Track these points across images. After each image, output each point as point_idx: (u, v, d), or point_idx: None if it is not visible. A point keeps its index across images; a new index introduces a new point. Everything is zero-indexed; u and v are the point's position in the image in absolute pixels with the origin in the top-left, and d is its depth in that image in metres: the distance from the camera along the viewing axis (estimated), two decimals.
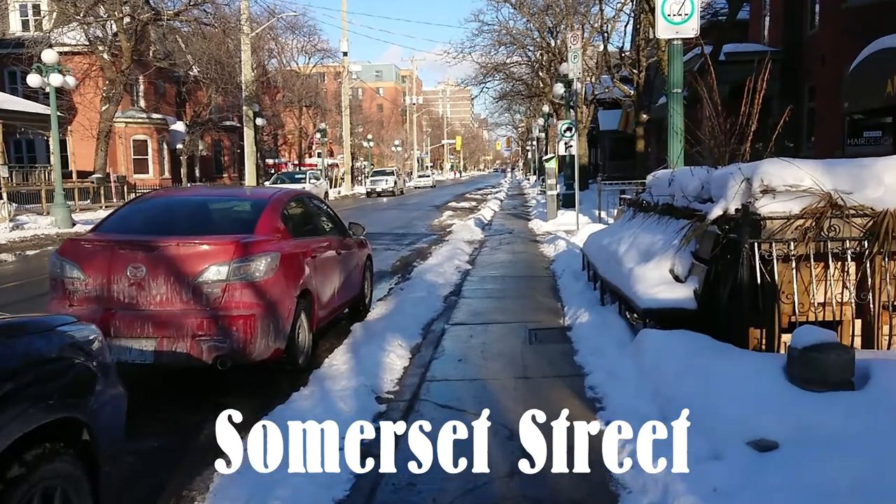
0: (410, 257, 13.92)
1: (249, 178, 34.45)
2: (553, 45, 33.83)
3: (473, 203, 33.80)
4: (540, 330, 7.02)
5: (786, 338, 4.97)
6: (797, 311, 4.83)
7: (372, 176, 47.48)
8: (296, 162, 63.42)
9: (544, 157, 19.90)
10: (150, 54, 35.62)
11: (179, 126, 40.77)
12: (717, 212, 5.16)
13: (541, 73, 41.35)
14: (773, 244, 4.81)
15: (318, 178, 35.33)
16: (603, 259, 7.58)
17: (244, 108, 34.52)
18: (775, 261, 4.80)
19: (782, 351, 4.93)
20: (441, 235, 18.27)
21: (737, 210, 4.99)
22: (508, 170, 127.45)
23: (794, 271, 4.81)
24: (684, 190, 6.10)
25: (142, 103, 39.65)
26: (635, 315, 6.43)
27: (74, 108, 34.22)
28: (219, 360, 5.20)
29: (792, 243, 4.79)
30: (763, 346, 4.89)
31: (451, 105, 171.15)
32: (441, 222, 23.06)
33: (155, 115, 39.04)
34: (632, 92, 20.55)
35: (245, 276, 5.34)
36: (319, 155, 68.91)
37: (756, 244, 4.79)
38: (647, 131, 21.86)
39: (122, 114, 37.16)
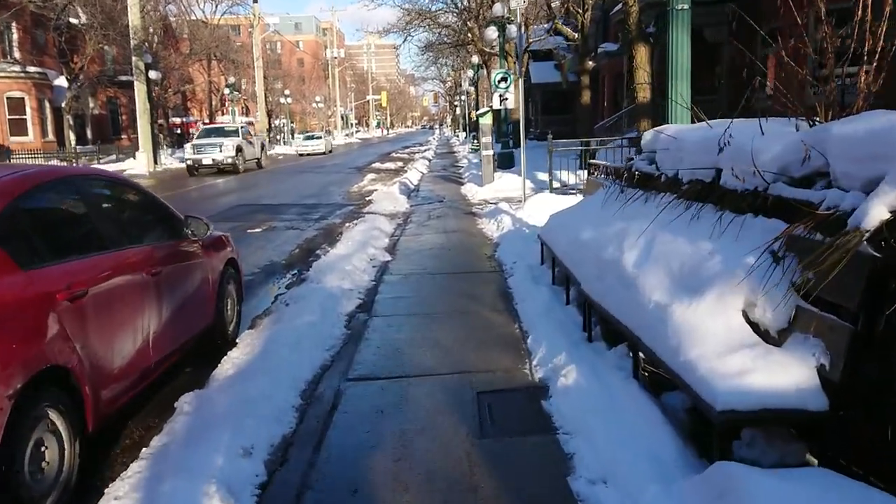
0: (315, 240, 10.93)
1: (143, 140, 30.38)
2: None
3: (399, 164, 30.71)
4: (496, 394, 4.23)
5: None
6: None
7: (197, 139, 28.87)
8: (206, 120, 58.54)
9: (478, 112, 17.04)
10: None
11: (64, 81, 35.80)
12: (878, 214, 2.45)
13: (469, 23, 38.14)
14: None
15: None
16: (588, 266, 4.83)
17: (133, 58, 30.12)
18: None
19: None
20: (359, 206, 15.29)
21: None
22: (437, 126, 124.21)
23: None
24: (757, 159, 3.36)
25: (17, 55, 34.49)
26: (644, 364, 3.77)
27: None
28: None
29: None
30: None
31: (376, 60, 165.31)
32: (361, 188, 20.00)
33: (32, 69, 33.99)
34: (576, 36, 17.86)
35: None
36: (235, 113, 64.41)
37: None
38: (592, 81, 19.26)
39: None
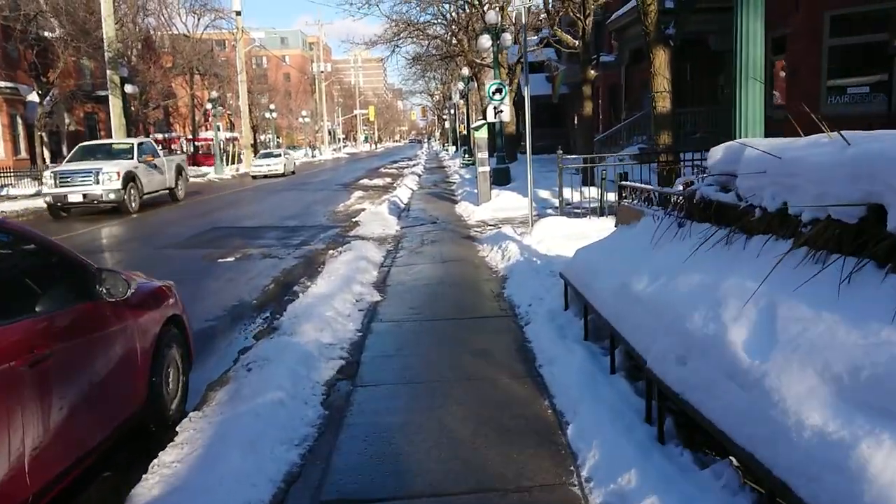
0: (294, 273, 9.56)
1: None
2: None
3: (388, 180, 29.43)
4: None
5: None
6: None
7: (66, 162, 19.81)
8: (189, 136, 57.04)
9: (473, 125, 15.77)
10: None
11: (37, 97, 34.25)
12: None
13: (458, 35, 37.05)
14: None
15: None
16: (655, 333, 3.49)
17: (108, 72, 28.69)
18: None
19: None
20: (344, 229, 13.96)
21: None
22: (425, 140, 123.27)
23: None
24: None
25: None
26: None
27: None
28: None
29: None
30: None
31: (363, 74, 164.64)
32: (347, 208, 18.66)
33: (2, 84, 32.52)
34: (577, 43, 16.68)
35: None
36: (219, 128, 63.09)
37: None
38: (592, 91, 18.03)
39: None
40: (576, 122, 42.11)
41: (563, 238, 9.00)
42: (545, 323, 5.75)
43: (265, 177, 35.04)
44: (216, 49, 60.35)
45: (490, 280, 8.09)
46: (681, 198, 4.50)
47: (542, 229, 9.38)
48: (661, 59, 9.89)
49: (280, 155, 38.05)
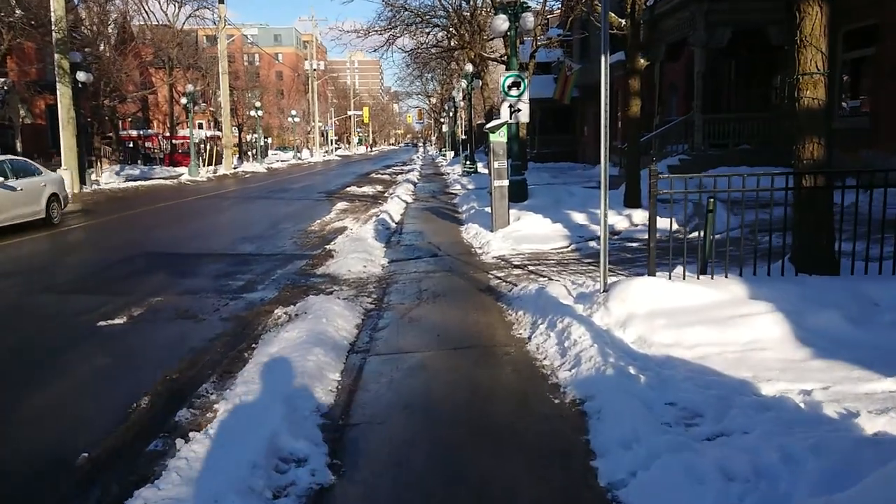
0: (202, 362, 5.64)
1: (67, 155, 24.86)
2: None
3: (379, 188, 25.53)
4: None
5: None
6: None
7: None
8: (167, 134, 52.89)
9: (489, 126, 11.93)
10: None
11: None
12: None
13: (460, 29, 33.29)
14: None
15: None
16: None
17: (56, 56, 24.71)
18: None
19: None
20: (312, 262, 10.13)
21: None
22: (420, 144, 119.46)
23: None
24: None
25: None
26: None
27: None
28: None
29: None
30: None
31: (359, 76, 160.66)
32: (324, 226, 14.77)
33: None
34: (623, 23, 12.91)
35: None
36: (201, 126, 59.11)
37: None
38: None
39: None
40: (585, 130, 38.41)
41: (667, 320, 5.15)
42: None
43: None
44: (205, 44, 56.20)
45: (555, 417, 4.15)
46: None
47: (625, 299, 5.49)
48: (814, 22, 6.08)
49: (40, 173, 15.04)
